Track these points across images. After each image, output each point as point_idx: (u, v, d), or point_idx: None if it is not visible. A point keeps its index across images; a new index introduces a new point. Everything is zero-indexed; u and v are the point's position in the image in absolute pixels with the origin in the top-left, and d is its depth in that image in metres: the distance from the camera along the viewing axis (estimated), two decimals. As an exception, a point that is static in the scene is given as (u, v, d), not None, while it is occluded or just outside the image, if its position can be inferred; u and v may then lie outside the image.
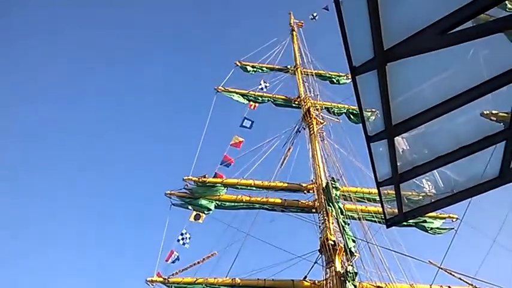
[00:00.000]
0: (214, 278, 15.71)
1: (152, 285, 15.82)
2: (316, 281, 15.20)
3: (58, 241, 50.10)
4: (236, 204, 17.79)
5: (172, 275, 15.93)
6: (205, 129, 20.47)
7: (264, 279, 15.30)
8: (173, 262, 16.54)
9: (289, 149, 19.63)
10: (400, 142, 3.80)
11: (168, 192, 17.52)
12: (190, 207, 17.31)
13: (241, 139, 19.32)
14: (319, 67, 23.75)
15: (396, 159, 3.78)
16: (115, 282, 44.21)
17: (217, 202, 17.56)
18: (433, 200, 4.19)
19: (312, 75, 22.95)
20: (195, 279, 15.72)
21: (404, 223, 14.94)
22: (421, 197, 4.40)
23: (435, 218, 17.84)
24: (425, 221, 17.57)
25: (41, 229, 48.50)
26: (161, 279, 15.82)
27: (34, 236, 48.39)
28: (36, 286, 45.11)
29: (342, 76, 23.00)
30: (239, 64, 22.91)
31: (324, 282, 14.76)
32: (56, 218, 50.55)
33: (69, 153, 54.11)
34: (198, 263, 16.17)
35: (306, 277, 15.34)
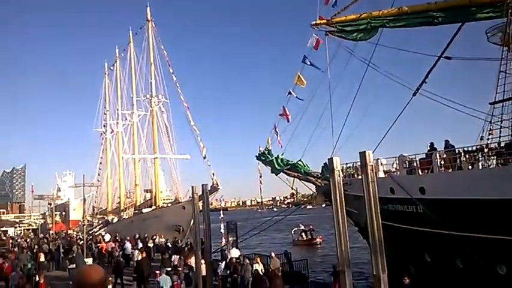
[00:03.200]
0: (379, 11, 15.52)
1: (317, 28, 16.46)
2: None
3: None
4: None
5: (335, 15, 16.15)
6: None
7: (435, 1, 14.53)
8: (333, 6, 16.46)
9: None
10: None
11: None
12: None
13: None
14: None
15: None
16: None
17: None
18: None
19: None
20: (358, 15, 15.83)
21: None
22: None
23: None
24: None
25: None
26: (324, 21, 16.23)
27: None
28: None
29: None
30: None
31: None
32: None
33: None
34: (358, -1, 15.87)
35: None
